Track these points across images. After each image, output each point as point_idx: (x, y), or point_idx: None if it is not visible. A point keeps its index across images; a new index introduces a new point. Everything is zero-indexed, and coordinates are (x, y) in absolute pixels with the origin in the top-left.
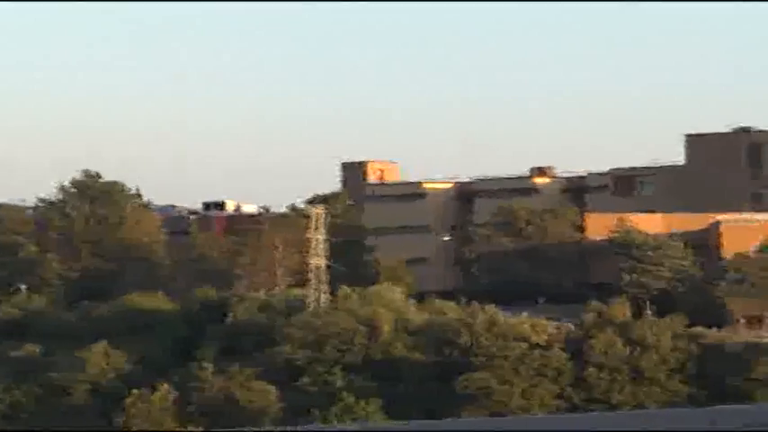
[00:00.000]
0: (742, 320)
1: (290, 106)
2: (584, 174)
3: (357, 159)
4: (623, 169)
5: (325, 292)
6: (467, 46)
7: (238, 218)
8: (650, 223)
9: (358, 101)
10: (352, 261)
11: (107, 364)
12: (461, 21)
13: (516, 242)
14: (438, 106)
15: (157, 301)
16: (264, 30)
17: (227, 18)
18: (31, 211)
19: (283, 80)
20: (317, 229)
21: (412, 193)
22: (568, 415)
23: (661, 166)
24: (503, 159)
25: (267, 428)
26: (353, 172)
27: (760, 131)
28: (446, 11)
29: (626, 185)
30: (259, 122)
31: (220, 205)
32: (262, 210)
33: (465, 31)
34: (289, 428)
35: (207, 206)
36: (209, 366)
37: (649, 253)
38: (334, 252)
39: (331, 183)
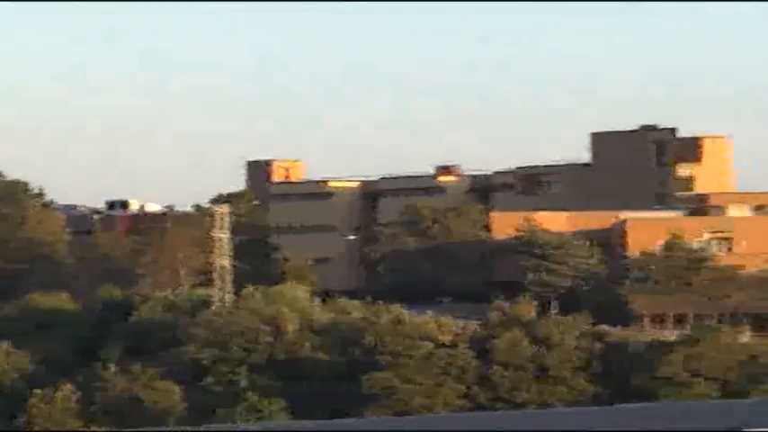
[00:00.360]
0: (646, 318)
1: (194, 105)
2: (490, 172)
3: (262, 158)
4: (529, 168)
5: (229, 292)
6: (365, 43)
7: (142, 217)
8: (556, 222)
9: (263, 100)
10: (256, 260)
11: (8, 364)
12: (363, 19)
13: (421, 241)
14: (343, 104)
15: (61, 301)
16: (167, 30)
17: (118, 15)
18: None
19: (185, 79)
20: (221, 228)
21: (317, 192)
22: (472, 414)
23: (566, 165)
24: (408, 158)
25: (171, 428)
26: (258, 171)
27: (665, 129)
28: (357, 11)
29: (531, 184)
30: (163, 121)
31: (124, 204)
32: (166, 209)
33: (366, 27)
34: (191, 429)
35: (110, 205)
36: (113, 366)
37: (554, 252)
38: (239, 251)
39: (236, 182)
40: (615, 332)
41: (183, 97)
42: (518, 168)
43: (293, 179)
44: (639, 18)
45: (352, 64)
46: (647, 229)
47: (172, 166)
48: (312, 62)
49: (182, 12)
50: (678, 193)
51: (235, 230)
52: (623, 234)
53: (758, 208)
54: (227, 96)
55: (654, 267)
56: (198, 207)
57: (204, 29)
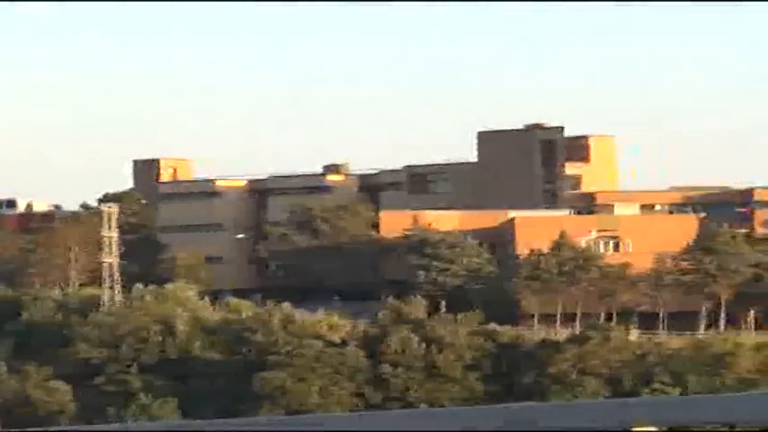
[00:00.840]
0: (536, 317)
1: (80, 103)
2: (378, 171)
3: (150, 157)
4: (418, 167)
5: (119, 291)
6: (252, 43)
7: (30, 216)
8: (445, 221)
9: (150, 98)
10: (146, 259)
11: None
12: (254, 18)
13: (311, 240)
14: (230, 103)
15: None
16: (66, 29)
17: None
18: None
19: (72, 77)
20: (109, 227)
21: (206, 191)
22: (366, 413)
23: (455, 164)
24: (297, 157)
25: (62, 428)
26: (146, 170)
27: (553, 128)
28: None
29: (421, 183)
30: (49, 119)
31: (12, 203)
32: (53, 208)
33: (252, 28)
34: (82, 428)
35: None
36: (3, 365)
37: (444, 250)
38: (129, 250)
39: (124, 181)
40: (506, 331)
41: (71, 95)
42: (406, 167)
43: (181, 178)
44: (528, 16)
45: (241, 61)
46: (536, 229)
47: (57, 164)
48: (200, 59)
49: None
50: (566, 192)
51: (124, 230)
52: (512, 233)
53: (644, 207)
54: (117, 94)
55: (543, 266)
56: (86, 206)
57: (96, 24)
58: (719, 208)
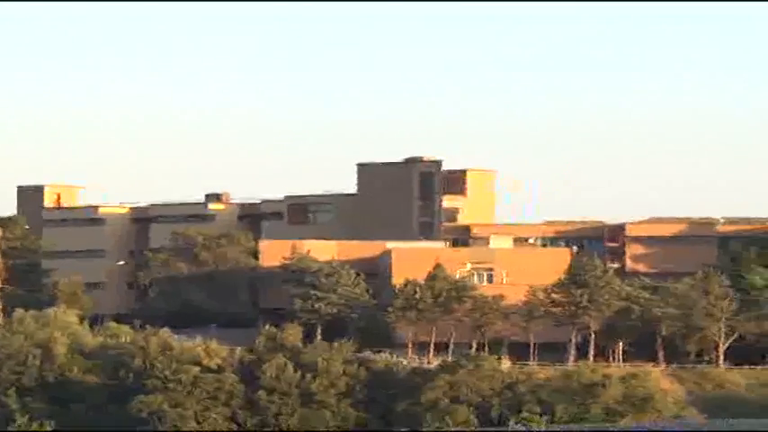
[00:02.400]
0: (410, 345)
1: None
2: (260, 201)
3: (34, 183)
4: (298, 197)
5: (0, 315)
6: (137, 72)
7: None
8: (324, 250)
9: (36, 125)
10: (28, 285)
11: None
12: (135, 48)
13: (192, 267)
14: (115, 131)
15: None
16: None
17: None
18: None
19: None
20: None
21: (89, 217)
22: None
23: (335, 195)
24: (180, 185)
25: None
26: (30, 196)
27: (432, 161)
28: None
29: (301, 213)
30: None
31: None
32: None
33: (136, 58)
34: None
35: None
36: None
37: (322, 280)
38: (12, 275)
39: (8, 206)
40: (380, 359)
41: None
42: (286, 197)
43: (66, 204)
44: (412, 51)
45: (125, 90)
46: (413, 259)
47: None
48: (85, 88)
49: None
50: (443, 225)
51: (7, 255)
52: (389, 264)
53: (518, 240)
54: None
55: (418, 296)
56: None
57: None
58: (592, 243)
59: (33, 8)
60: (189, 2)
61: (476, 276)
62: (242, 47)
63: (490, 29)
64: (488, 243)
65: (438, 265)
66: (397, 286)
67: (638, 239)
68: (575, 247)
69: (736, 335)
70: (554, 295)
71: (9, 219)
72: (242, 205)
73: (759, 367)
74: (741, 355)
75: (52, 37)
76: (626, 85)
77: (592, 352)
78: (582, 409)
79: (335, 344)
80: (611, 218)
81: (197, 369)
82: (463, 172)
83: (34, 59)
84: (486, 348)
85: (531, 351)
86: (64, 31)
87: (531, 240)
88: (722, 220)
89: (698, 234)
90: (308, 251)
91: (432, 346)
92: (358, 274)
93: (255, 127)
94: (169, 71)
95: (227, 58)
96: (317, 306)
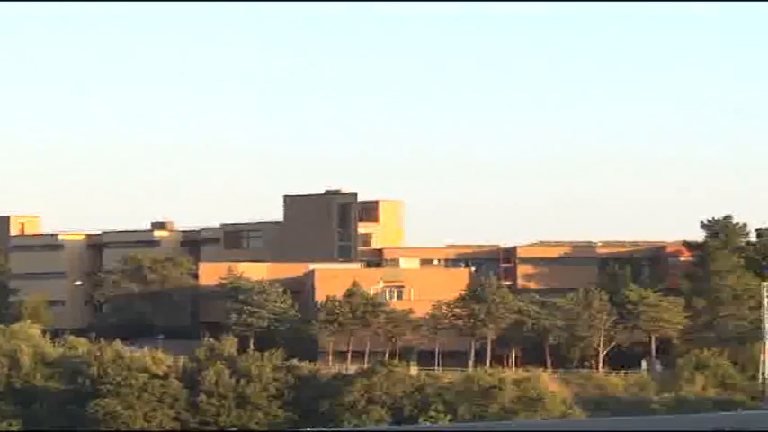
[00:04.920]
0: (331, 354)
1: None
2: (198, 229)
3: (0, 214)
4: (232, 225)
5: None
6: (84, 107)
7: None
8: (256, 271)
9: (2, 157)
10: None
11: None
12: (78, 81)
13: (141, 287)
14: (72, 164)
15: None
16: None
17: None
18: None
19: None
20: None
21: (50, 243)
22: None
23: (264, 223)
24: (128, 214)
25: None
26: None
27: (349, 193)
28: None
29: (235, 239)
30: None
31: None
32: None
33: (82, 90)
34: None
35: None
36: None
37: (254, 297)
38: None
39: None
40: (305, 366)
41: None
42: (222, 225)
43: (29, 232)
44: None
45: (75, 128)
46: (333, 279)
47: None
48: (39, 128)
49: None
50: (359, 248)
51: None
52: (312, 282)
53: (424, 261)
54: None
55: (338, 311)
56: None
57: None
58: (487, 263)
59: None
60: (140, 35)
61: (388, 293)
62: (182, 86)
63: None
64: (398, 264)
65: (355, 284)
66: (320, 302)
67: (527, 260)
68: (473, 268)
69: (613, 343)
70: (456, 309)
71: None
72: (184, 232)
73: (634, 371)
74: (618, 360)
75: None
76: (517, 117)
77: (489, 358)
78: (481, 409)
79: (266, 353)
80: (503, 241)
81: (145, 375)
82: (376, 202)
83: None
84: (398, 356)
85: (437, 358)
86: (20, 67)
87: (435, 261)
88: (600, 243)
89: (580, 255)
90: (242, 272)
91: (350, 354)
92: (285, 292)
93: (195, 162)
94: (116, 111)
95: (170, 94)
96: (249, 320)
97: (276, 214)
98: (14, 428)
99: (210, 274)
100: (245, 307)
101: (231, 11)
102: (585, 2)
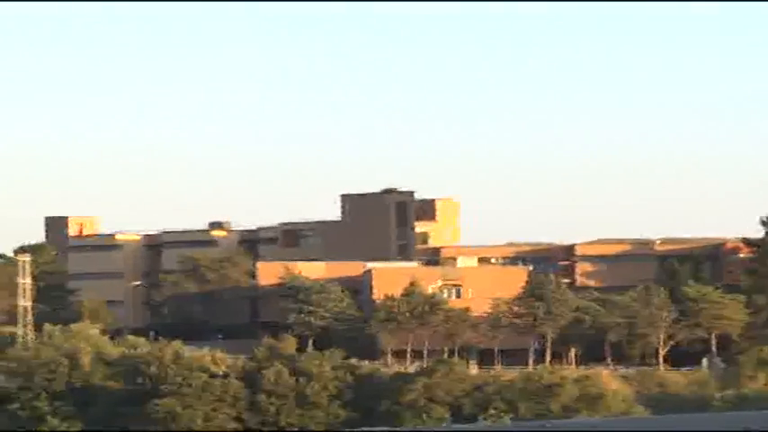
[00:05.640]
0: (390, 353)
1: None
2: (256, 228)
3: (59, 214)
4: (290, 224)
5: (31, 330)
6: (147, 108)
7: None
8: (313, 270)
9: (58, 159)
10: (57, 303)
11: None
12: (146, 83)
13: (198, 287)
14: (132, 164)
15: None
16: None
17: None
18: None
19: None
20: (23, 275)
21: (108, 244)
22: None
23: (322, 222)
24: (186, 215)
25: None
26: (56, 225)
27: (406, 192)
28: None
29: (292, 238)
30: None
31: None
32: None
33: (146, 92)
34: None
35: None
36: None
37: (312, 296)
38: (42, 295)
39: (36, 234)
40: (364, 365)
41: None
42: (280, 224)
43: (87, 232)
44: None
45: (135, 133)
46: (391, 277)
47: None
48: (98, 131)
49: None
50: (416, 247)
51: (37, 277)
52: (370, 281)
53: (482, 259)
54: (29, 155)
55: (397, 310)
56: (2, 256)
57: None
58: (546, 261)
59: (52, 42)
60: (197, 37)
61: (446, 292)
62: (238, 89)
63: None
64: (456, 263)
65: (413, 283)
66: (378, 301)
67: (586, 258)
68: (531, 266)
69: (673, 341)
70: (515, 308)
71: (39, 246)
72: (241, 232)
73: (694, 368)
74: (678, 358)
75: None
76: (576, 115)
77: (548, 357)
78: (542, 407)
79: (326, 352)
80: (562, 239)
81: (205, 375)
82: (432, 201)
83: (56, 98)
84: (457, 355)
85: (496, 356)
86: (81, 73)
87: (492, 260)
88: (659, 240)
89: (639, 253)
90: (300, 271)
91: (409, 353)
92: (343, 291)
93: (253, 162)
94: (174, 114)
95: (229, 96)
96: (308, 320)
97: (334, 213)
98: (73, 429)
99: (268, 273)
100: (303, 306)
101: (305, 8)
102: None
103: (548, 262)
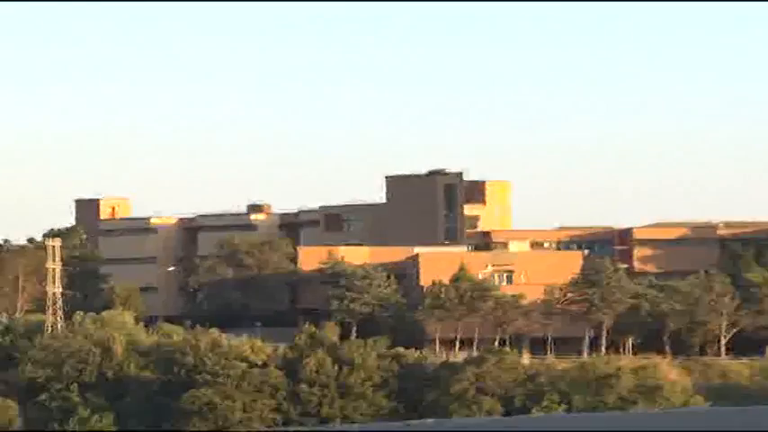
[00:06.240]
0: (437, 341)
1: (26, 144)
2: (296, 211)
3: (90, 196)
4: (332, 207)
5: (61, 317)
6: (185, 90)
7: None
8: (357, 255)
9: (88, 140)
10: (88, 289)
11: None
12: (182, 65)
13: (236, 272)
14: (166, 145)
15: None
16: (18, 77)
17: None
18: None
19: (15, 118)
20: (53, 260)
21: (141, 227)
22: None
23: (366, 205)
24: (224, 196)
25: None
26: (87, 208)
27: (454, 173)
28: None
29: (335, 221)
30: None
31: None
32: (2, 242)
33: (182, 76)
34: None
35: None
36: None
37: (356, 282)
38: (72, 281)
39: (66, 217)
40: (410, 354)
41: (17, 138)
42: (322, 207)
43: (119, 216)
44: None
45: (174, 107)
46: (438, 263)
47: (5, 200)
48: (137, 107)
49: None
50: (465, 231)
51: (67, 262)
52: (417, 267)
53: (534, 244)
54: (58, 136)
55: (444, 296)
56: (32, 240)
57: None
58: (601, 245)
59: (84, 27)
60: (231, 23)
61: (496, 277)
62: (279, 69)
63: (505, 43)
64: (507, 247)
65: (462, 268)
66: (425, 287)
67: (644, 242)
68: (586, 250)
69: (736, 328)
70: (569, 294)
71: (69, 229)
72: (281, 215)
73: (758, 357)
74: (741, 346)
75: (102, 58)
76: (631, 96)
77: (604, 345)
78: (597, 399)
79: (370, 341)
80: (618, 222)
81: (244, 365)
82: (482, 183)
83: (91, 83)
84: (508, 343)
85: (549, 345)
86: (113, 54)
87: (545, 244)
88: (721, 224)
89: (700, 236)
90: (343, 256)
91: (457, 341)
92: (388, 277)
93: (293, 143)
94: (212, 94)
95: (271, 78)
96: (351, 306)
97: (377, 195)
98: (105, 422)
99: (310, 258)
100: (346, 292)
101: None
102: None
103: (603, 246)
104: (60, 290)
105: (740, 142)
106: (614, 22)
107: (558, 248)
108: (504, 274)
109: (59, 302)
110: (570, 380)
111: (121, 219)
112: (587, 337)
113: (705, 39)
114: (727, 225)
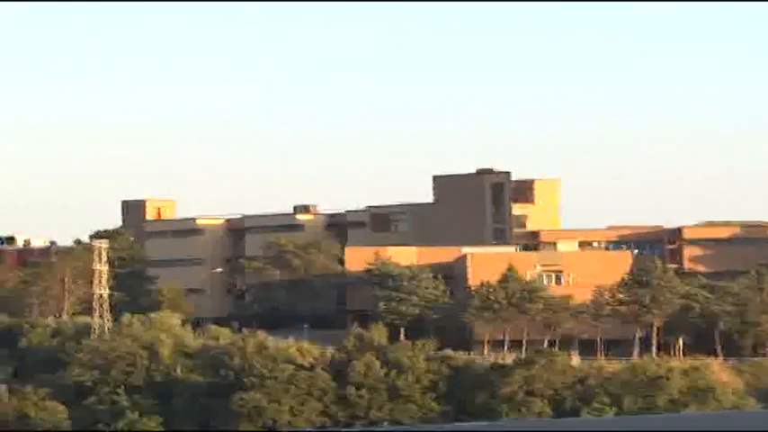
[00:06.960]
0: (486, 343)
1: (73, 146)
2: (344, 211)
3: (137, 198)
4: (380, 207)
5: (108, 319)
6: (229, 93)
7: (28, 251)
8: (405, 256)
9: (134, 143)
10: (135, 291)
11: None
12: (225, 68)
13: (284, 273)
14: (210, 147)
15: None
16: (59, 78)
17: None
18: None
19: (66, 122)
20: (100, 261)
21: (187, 229)
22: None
23: (413, 205)
24: (270, 197)
25: None
26: (133, 209)
27: (502, 172)
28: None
29: (382, 222)
30: (45, 161)
31: (11, 240)
32: (49, 244)
33: (226, 78)
34: None
35: None
36: (3, 387)
37: (403, 283)
38: (119, 282)
39: (113, 219)
40: (459, 356)
41: (65, 139)
42: (369, 207)
43: (165, 217)
44: (469, 74)
45: (220, 110)
46: (486, 263)
47: (53, 203)
48: (181, 110)
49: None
50: (514, 230)
51: (114, 264)
52: (465, 267)
53: (583, 244)
54: (106, 139)
55: (493, 297)
56: (79, 242)
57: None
58: (651, 245)
59: (128, 30)
60: (280, 22)
61: (545, 278)
62: (324, 71)
63: (551, 44)
64: (555, 247)
65: (510, 268)
66: (474, 288)
67: (695, 242)
68: (635, 250)
69: None
70: (619, 295)
71: (115, 231)
72: (328, 215)
73: None
74: None
75: (145, 60)
76: (682, 95)
77: (655, 347)
78: (648, 401)
79: (418, 343)
80: (668, 222)
81: (292, 367)
82: (531, 182)
83: (135, 84)
84: (558, 345)
85: (599, 347)
86: (162, 55)
87: (594, 244)
88: None
89: (751, 236)
90: (390, 257)
91: (506, 343)
92: (436, 277)
93: (341, 142)
94: (260, 94)
95: (315, 78)
96: (399, 308)
97: (425, 195)
98: (153, 424)
99: (357, 259)
100: (394, 294)
101: None
102: None
103: (652, 246)
104: (107, 292)
105: None
106: (660, 20)
107: (607, 248)
108: (553, 275)
109: (106, 304)
110: (620, 382)
111: (168, 220)
112: (637, 339)
113: (745, 30)
114: None
